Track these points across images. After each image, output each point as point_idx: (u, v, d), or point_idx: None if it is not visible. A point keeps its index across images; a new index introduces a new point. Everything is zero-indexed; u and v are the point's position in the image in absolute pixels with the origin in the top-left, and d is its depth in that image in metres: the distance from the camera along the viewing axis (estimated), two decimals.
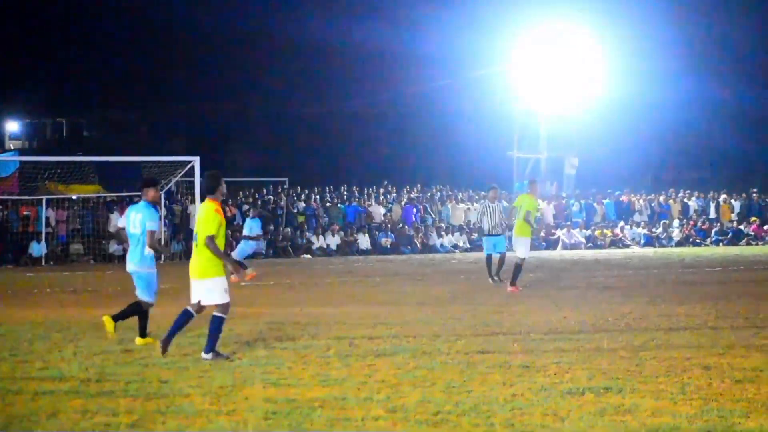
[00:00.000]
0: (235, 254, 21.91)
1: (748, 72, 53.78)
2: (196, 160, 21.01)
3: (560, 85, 44.51)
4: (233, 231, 30.40)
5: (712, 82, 50.64)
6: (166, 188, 30.83)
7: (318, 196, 39.01)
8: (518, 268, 18.77)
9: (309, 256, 34.61)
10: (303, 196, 38.61)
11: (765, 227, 41.40)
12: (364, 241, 36.46)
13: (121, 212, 26.65)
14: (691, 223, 41.43)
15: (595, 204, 42.11)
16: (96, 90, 59.40)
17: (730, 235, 40.61)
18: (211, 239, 10.40)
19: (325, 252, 35.31)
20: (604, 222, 41.10)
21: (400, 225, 37.87)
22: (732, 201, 43.26)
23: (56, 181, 32.41)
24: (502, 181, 33.39)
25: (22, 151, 52.21)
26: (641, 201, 43.14)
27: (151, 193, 12.00)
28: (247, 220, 24.17)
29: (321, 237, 35.94)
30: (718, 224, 41.66)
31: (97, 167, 32.21)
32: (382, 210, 38.58)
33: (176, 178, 31.32)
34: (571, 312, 14.56)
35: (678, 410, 7.72)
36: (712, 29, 53.58)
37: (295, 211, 37.39)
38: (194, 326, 11.38)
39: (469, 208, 39.26)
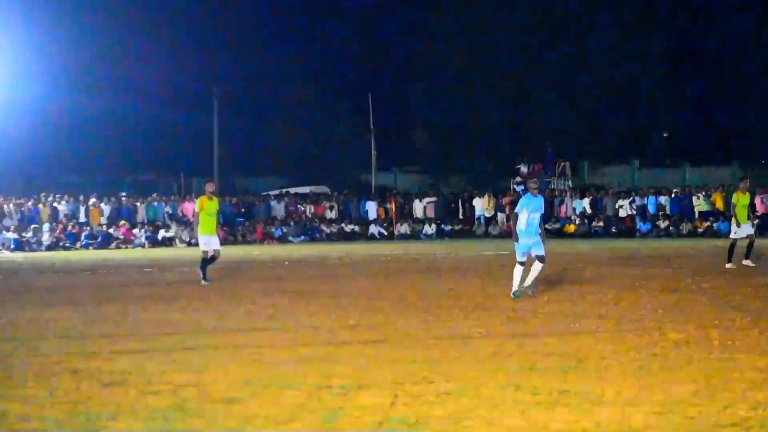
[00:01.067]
0: None
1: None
2: None
3: None
4: None
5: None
6: None
7: None
8: None
9: None
10: None
11: (134, 230, 42.65)
12: None
13: None
14: (61, 226, 41.37)
15: None
16: None
17: (100, 238, 41.22)
18: None
19: None
20: None
21: None
22: (102, 205, 43.93)
23: None
24: None
25: None
26: (11, 205, 42.08)
27: None
28: None
29: None
30: (89, 228, 42.06)
31: None
32: None
33: None
34: None
35: (46, 415, 7.64)
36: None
37: None
38: None
39: None
